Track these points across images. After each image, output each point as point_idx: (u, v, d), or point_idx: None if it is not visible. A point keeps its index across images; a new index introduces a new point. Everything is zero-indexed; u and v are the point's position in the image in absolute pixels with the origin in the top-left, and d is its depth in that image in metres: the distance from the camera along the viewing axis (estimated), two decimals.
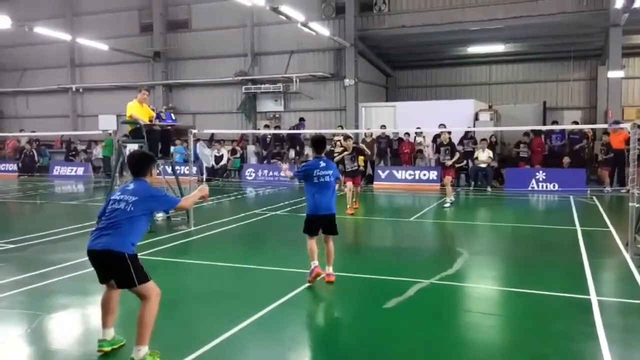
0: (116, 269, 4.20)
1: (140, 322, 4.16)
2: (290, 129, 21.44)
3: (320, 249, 6.48)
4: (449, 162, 13.28)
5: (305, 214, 6.59)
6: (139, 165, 4.53)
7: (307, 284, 6.32)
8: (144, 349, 4.14)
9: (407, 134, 18.97)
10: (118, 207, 4.28)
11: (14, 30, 20.63)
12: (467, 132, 17.94)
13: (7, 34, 23.93)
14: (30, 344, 4.91)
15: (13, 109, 28.98)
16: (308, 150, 20.51)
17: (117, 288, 4.36)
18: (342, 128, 20.63)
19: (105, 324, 4.47)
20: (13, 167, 24.15)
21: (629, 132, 8.33)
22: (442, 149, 13.54)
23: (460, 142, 17.73)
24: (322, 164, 6.47)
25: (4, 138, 26.15)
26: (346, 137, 13.13)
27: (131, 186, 4.43)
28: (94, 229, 4.38)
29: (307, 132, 20.21)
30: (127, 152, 10.29)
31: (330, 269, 6.46)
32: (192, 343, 4.65)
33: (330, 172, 6.46)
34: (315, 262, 6.33)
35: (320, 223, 6.45)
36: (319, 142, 6.68)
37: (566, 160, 17.30)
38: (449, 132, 13.61)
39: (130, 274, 4.15)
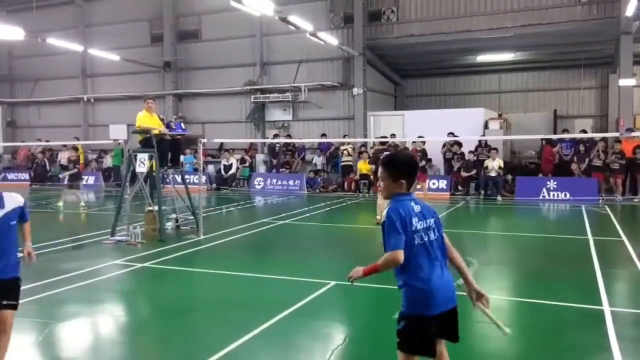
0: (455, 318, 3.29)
1: None
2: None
3: None
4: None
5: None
6: (415, 168, 3.46)
7: (317, 293, 6.28)
8: None
9: (415, 142, 18.92)
10: (430, 237, 3.34)
11: (27, 42, 20.92)
12: (480, 141, 17.95)
13: (20, 45, 24.38)
14: (40, 352, 4.93)
15: (25, 118, 29.35)
16: (316, 159, 20.63)
17: (454, 342, 3.34)
18: (347, 137, 20.73)
19: None
20: (25, 176, 24.48)
21: None
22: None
23: (475, 150, 17.93)
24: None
25: (17, 147, 26.51)
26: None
27: (416, 206, 3.32)
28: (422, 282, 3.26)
29: (324, 141, 20.33)
30: (138, 163, 10.33)
31: None
32: (201, 352, 4.65)
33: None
34: None
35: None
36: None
37: (576, 168, 17.14)
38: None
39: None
